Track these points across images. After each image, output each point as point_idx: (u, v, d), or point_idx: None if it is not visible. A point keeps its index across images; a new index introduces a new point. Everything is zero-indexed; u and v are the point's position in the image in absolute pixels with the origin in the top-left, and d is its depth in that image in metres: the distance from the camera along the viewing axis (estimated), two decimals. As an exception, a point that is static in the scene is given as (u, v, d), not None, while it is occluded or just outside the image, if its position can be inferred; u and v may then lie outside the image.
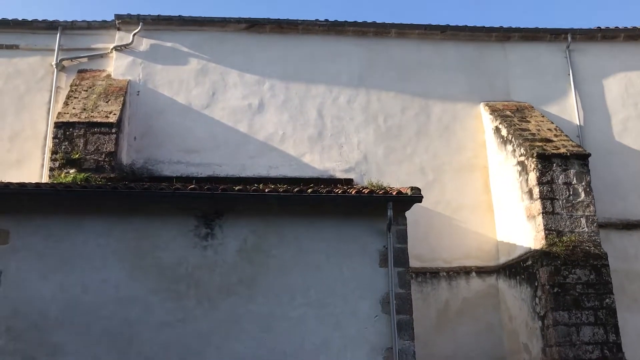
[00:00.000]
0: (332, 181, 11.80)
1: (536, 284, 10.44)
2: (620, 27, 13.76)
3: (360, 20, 13.23)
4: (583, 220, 10.70)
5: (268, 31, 13.16)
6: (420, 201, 9.41)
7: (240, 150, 12.29)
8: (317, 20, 13.13)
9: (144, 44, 12.91)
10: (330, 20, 13.15)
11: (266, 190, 9.19)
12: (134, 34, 12.84)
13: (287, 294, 8.79)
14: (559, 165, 10.97)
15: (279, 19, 13.12)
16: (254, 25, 13.08)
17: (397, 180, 12.02)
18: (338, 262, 9.06)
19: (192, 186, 9.20)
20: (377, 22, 13.28)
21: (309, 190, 9.29)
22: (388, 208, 9.06)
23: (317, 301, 8.80)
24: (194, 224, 8.92)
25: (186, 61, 12.89)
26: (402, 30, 13.35)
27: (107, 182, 9.98)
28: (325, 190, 9.43)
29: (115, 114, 11.39)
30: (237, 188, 9.15)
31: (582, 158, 11.09)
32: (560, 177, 10.90)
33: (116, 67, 12.74)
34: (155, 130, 12.24)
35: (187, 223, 8.92)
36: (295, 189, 9.29)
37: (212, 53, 12.95)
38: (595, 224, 10.72)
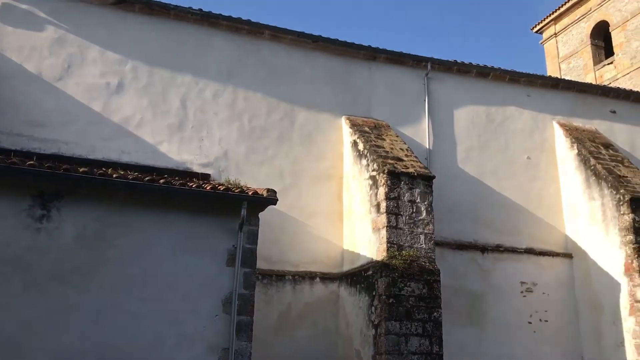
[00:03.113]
0: (188, 174, 11.51)
1: (374, 294, 10.94)
2: (473, 63, 14.94)
3: (235, 16, 13.07)
4: (422, 237, 11.41)
5: (137, 10, 12.53)
6: (275, 203, 9.49)
7: (92, 130, 11.53)
8: (190, 8, 12.73)
9: (-5, 1, 11.70)
10: (204, 10, 12.84)
11: (114, 175, 8.73)
12: (-16, -11, 11.60)
13: (125, 286, 8.40)
14: (406, 184, 11.62)
15: (150, 0, 12.56)
16: (122, 2, 12.37)
17: (255, 181, 12.01)
18: (184, 258, 8.84)
19: (32, 162, 8.48)
20: (252, 20, 13.19)
21: (161, 181, 8.98)
22: (242, 207, 9.04)
23: (156, 296, 8.50)
24: (29, 203, 8.22)
25: (42, 28, 11.86)
26: (276, 33, 13.40)
27: None
28: (178, 183, 9.17)
29: (-51, 73, 10.19)
30: (82, 170, 8.59)
31: (427, 179, 11.84)
32: (407, 194, 11.55)
33: (-42, 21, 11.41)
34: (-3, 97, 11.12)
35: (20, 202, 8.20)
36: (147, 178, 8.93)
37: (72, 23, 12.05)
38: (432, 242, 11.47)
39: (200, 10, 12.80)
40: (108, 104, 11.86)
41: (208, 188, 9.22)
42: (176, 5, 12.67)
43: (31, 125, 11.13)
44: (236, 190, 9.32)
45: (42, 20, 11.88)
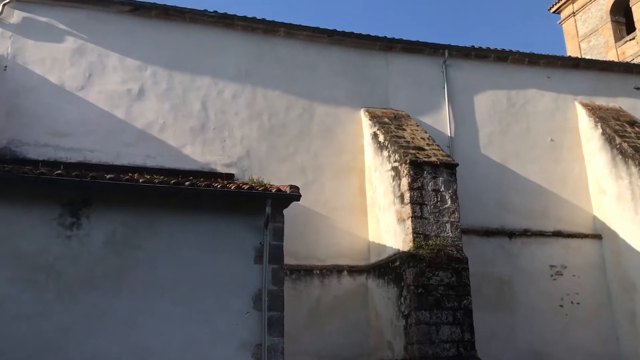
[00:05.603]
0: (212, 175, 11.64)
1: (402, 284, 10.96)
2: (491, 48, 14.79)
3: (249, 16, 13.15)
4: (448, 226, 11.37)
5: (153, 16, 12.69)
6: (298, 200, 9.55)
7: (116, 136, 11.73)
8: (205, 10, 12.85)
9: (16, 16, 11.95)
10: (219, 12, 12.94)
11: (141, 180, 8.87)
12: (4, 4, 11.85)
13: (155, 289, 8.54)
14: (429, 173, 11.58)
15: (165, 5, 12.67)
16: (138, 9, 12.55)
17: (278, 178, 12.09)
18: (212, 258, 8.95)
19: (59, 171, 8.66)
20: (267, 19, 13.27)
21: (187, 183, 9.11)
22: (267, 205, 9.11)
23: (187, 297, 8.63)
24: (59, 212, 8.41)
25: (62, 39, 12.10)
26: (291, 31, 13.45)
27: (-38, 161, 9.14)
28: (203, 184, 9.28)
29: (-24, 89, 10.44)
30: (108, 176, 8.74)
31: (451, 167, 11.78)
32: (430, 184, 11.52)
33: (-19, 37, 11.69)
34: (23, 110, 11.37)
35: (51, 211, 8.39)
36: (172, 181, 9.06)
37: (91, 33, 12.26)
38: (458, 230, 11.42)
39: (216, 12, 12.92)
40: (130, 110, 12.05)
41: (232, 187, 9.32)
42: (191, 9, 12.81)
43: (56, 135, 11.38)
44: (260, 189, 9.41)
45: (61, 31, 12.11)
